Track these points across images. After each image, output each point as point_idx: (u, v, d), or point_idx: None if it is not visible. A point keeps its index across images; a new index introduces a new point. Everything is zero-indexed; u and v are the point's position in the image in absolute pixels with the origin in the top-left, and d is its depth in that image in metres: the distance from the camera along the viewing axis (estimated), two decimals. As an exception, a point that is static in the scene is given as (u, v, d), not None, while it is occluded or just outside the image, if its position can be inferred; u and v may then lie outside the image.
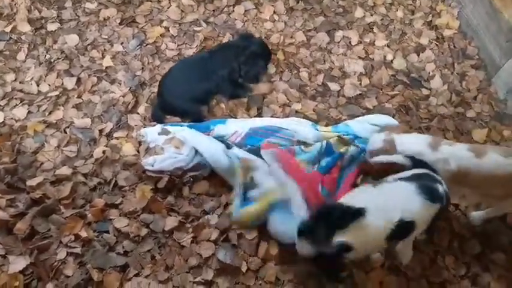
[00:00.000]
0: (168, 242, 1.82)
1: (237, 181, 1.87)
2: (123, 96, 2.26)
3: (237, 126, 2.08)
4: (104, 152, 2.04)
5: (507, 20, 2.28)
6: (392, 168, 1.66)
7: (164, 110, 2.18)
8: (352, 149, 1.97)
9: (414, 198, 1.47)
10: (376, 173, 1.78)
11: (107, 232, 1.82)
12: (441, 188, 1.51)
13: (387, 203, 1.48)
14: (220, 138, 2.02)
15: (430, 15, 2.69)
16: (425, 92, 2.37)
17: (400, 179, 1.57)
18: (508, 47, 2.27)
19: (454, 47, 2.54)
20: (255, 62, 2.36)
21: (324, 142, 1.99)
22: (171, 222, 1.84)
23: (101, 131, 2.12)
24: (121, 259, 1.75)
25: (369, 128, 2.07)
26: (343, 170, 1.93)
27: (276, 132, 2.05)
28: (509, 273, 1.77)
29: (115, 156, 2.04)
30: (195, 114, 2.18)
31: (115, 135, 2.12)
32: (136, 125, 2.15)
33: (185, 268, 1.75)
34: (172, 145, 1.97)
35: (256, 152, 1.97)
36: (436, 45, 2.56)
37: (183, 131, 2.02)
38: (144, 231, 1.82)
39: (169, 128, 2.05)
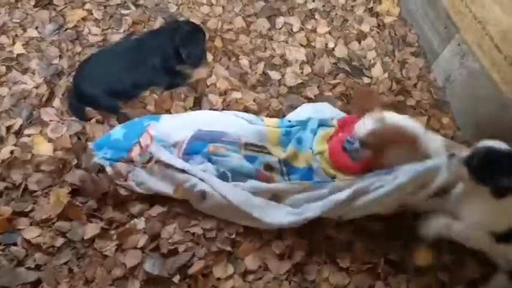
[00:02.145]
0: (89, 252, 1.61)
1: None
2: (37, 88, 1.99)
3: (173, 129, 1.86)
4: (12, 152, 1.78)
5: (444, 6, 2.27)
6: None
7: (80, 100, 1.94)
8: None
9: None
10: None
11: (15, 244, 1.59)
12: None
13: None
14: (162, 143, 1.81)
15: (371, 1, 2.63)
16: (366, 80, 2.31)
17: None
18: (446, 34, 2.26)
19: (395, 34, 2.51)
20: (195, 42, 2.17)
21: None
22: (91, 229, 1.64)
23: (8, 128, 1.85)
24: (32, 274, 1.54)
25: (312, 110, 2.00)
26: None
27: (221, 136, 1.86)
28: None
29: (26, 157, 1.78)
30: (110, 108, 1.96)
31: (26, 132, 1.86)
32: (51, 120, 1.90)
33: (108, 280, 1.56)
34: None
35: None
36: (377, 32, 2.51)
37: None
38: (59, 241, 1.61)
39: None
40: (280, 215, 1.65)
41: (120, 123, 1.93)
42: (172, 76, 2.15)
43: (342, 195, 1.61)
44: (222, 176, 1.75)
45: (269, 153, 1.88)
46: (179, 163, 1.73)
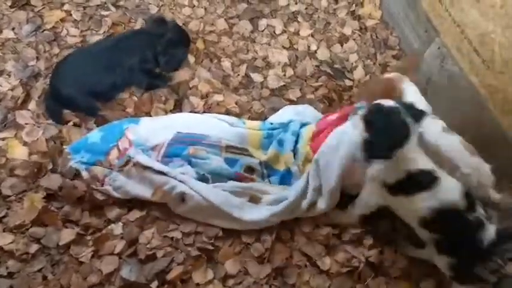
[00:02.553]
0: (64, 258, 1.57)
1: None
2: (12, 90, 1.94)
3: (152, 132, 1.84)
4: (-16, 156, 1.73)
5: (424, 10, 2.29)
6: None
7: (57, 102, 1.90)
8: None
9: None
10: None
11: (-14, 252, 1.54)
12: None
13: None
14: (141, 147, 1.78)
15: (354, 4, 2.65)
16: (348, 83, 2.31)
17: None
18: (426, 37, 2.28)
19: (377, 37, 2.52)
20: (175, 51, 2.15)
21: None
22: (67, 235, 1.60)
23: (-19, 132, 1.80)
24: (4, 282, 1.49)
25: (293, 112, 2.00)
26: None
27: (201, 139, 1.84)
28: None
29: (0, 161, 1.73)
30: (89, 109, 1.92)
31: (0, 135, 1.81)
32: (26, 123, 1.85)
33: (84, 287, 1.52)
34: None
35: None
36: (359, 35, 2.52)
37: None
38: (34, 248, 1.56)
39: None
40: (259, 212, 1.66)
41: (98, 126, 1.90)
42: (152, 77, 2.12)
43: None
44: (202, 179, 1.73)
45: (250, 155, 1.86)
46: (157, 165, 1.70)
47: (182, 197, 1.66)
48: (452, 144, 1.67)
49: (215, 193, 1.67)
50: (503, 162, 1.66)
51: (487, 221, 1.47)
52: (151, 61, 2.13)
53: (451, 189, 1.47)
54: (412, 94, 1.76)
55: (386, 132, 1.42)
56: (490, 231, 1.45)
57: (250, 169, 1.81)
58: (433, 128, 1.68)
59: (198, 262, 1.59)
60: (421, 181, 1.46)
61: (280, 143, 1.89)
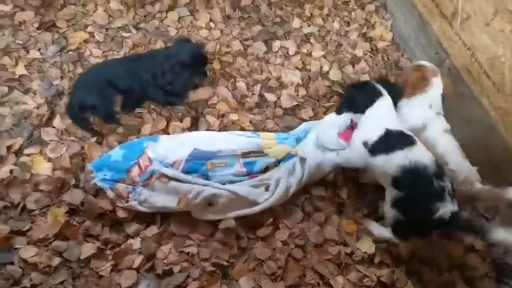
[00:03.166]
0: (84, 271, 1.63)
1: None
2: (37, 108, 2.03)
3: (170, 150, 1.91)
4: (11, 171, 1.81)
5: (435, 33, 2.34)
6: None
7: (77, 104, 2.00)
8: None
9: None
10: None
11: (11, 264, 1.60)
12: None
13: None
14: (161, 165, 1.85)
15: (365, 27, 2.72)
16: (360, 103, 2.36)
17: None
18: (437, 59, 2.33)
19: (388, 58, 2.58)
20: (182, 72, 2.15)
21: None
22: (87, 249, 1.66)
23: (9, 148, 1.88)
24: (28, 294, 1.55)
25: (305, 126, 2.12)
26: None
27: (217, 153, 1.93)
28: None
29: (25, 176, 1.81)
30: (109, 116, 2.02)
31: (26, 151, 1.89)
32: (51, 140, 1.93)
33: (103, 301, 1.57)
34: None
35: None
36: (370, 56, 2.58)
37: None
38: (56, 261, 1.62)
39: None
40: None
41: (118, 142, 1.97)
42: (168, 94, 2.18)
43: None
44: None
45: (267, 155, 1.97)
46: (182, 176, 1.79)
47: (209, 201, 1.74)
48: (449, 144, 1.84)
49: (239, 187, 1.81)
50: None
51: (450, 198, 1.58)
52: (161, 78, 2.16)
53: (424, 153, 1.66)
54: (437, 88, 1.92)
55: (361, 93, 1.83)
56: (448, 208, 1.56)
57: (267, 169, 1.93)
58: (438, 125, 1.87)
59: (213, 278, 1.63)
60: (398, 140, 1.67)
61: (298, 140, 2.04)
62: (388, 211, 1.70)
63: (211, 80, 2.34)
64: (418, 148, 1.66)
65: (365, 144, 1.75)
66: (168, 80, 2.13)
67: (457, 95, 2.07)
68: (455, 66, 2.21)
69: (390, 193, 1.69)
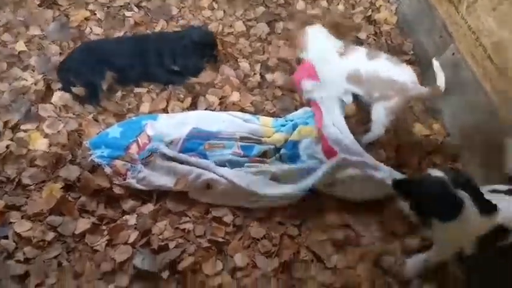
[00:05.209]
0: (79, 246, 1.63)
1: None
2: (35, 84, 2.02)
3: (170, 128, 1.90)
4: (7, 146, 1.81)
5: (441, 17, 2.30)
6: None
7: (69, 69, 2.00)
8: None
9: None
10: None
11: (6, 238, 1.60)
12: None
13: None
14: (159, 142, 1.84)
15: (370, 10, 2.67)
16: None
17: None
18: (441, 43, 2.28)
19: (392, 42, 2.53)
20: (194, 55, 2.18)
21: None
22: (83, 224, 1.65)
23: (5, 123, 1.88)
24: (21, 267, 1.54)
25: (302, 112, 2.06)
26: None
27: (217, 134, 1.91)
28: None
29: (21, 151, 1.81)
30: (91, 83, 1.99)
31: (22, 127, 1.88)
32: (49, 116, 1.92)
33: (97, 275, 1.57)
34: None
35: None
36: (374, 39, 2.54)
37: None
38: (50, 236, 1.62)
39: None
40: (282, 188, 1.74)
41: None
42: (169, 74, 2.17)
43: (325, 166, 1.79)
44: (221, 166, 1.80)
45: (265, 142, 1.94)
46: (183, 156, 1.77)
47: (208, 184, 1.71)
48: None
49: (239, 176, 1.75)
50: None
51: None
52: (168, 58, 2.17)
53: None
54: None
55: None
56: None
57: (264, 154, 1.90)
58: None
59: (208, 254, 1.62)
60: None
61: (294, 126, 2.00)
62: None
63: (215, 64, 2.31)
64: None
65: None
66: (182, 66, 2.13)
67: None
68: (459, 51, 2.17)
69: None
